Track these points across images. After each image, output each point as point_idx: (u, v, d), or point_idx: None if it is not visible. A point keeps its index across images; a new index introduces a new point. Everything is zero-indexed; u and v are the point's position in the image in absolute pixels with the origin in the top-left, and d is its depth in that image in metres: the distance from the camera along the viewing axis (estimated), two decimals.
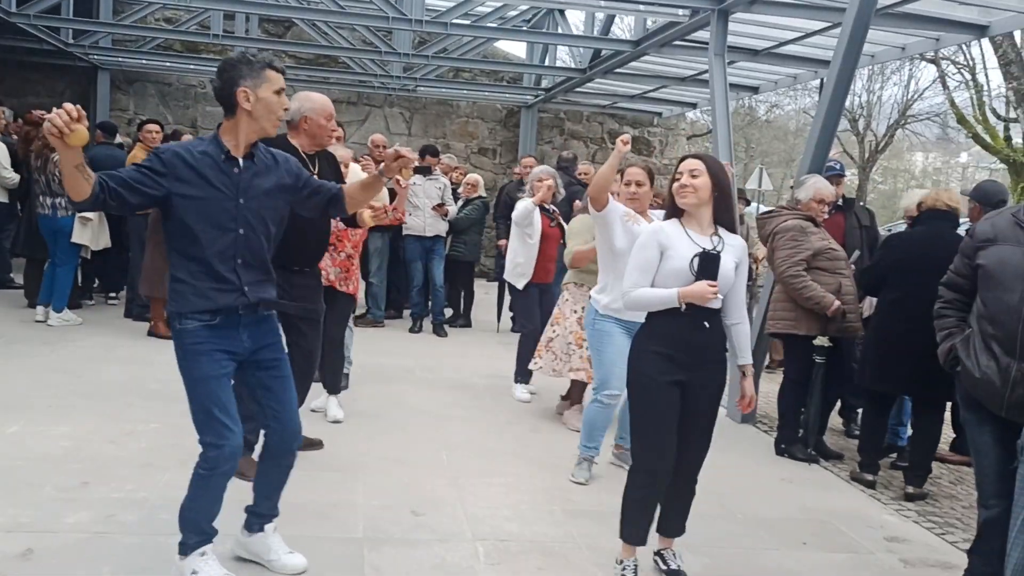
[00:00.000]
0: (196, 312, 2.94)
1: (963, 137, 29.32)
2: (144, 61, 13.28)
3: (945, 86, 24.59)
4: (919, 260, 4.76)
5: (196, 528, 3.08)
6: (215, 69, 3.01)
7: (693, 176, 3.36)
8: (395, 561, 3.48)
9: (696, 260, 3.28)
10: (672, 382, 3.32)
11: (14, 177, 8.28)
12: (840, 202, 6.02)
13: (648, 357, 3.36)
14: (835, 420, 6.22)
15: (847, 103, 21.32)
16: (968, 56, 22.89)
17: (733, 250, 3.39)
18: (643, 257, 3.37)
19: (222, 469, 2.99)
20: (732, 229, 3.46)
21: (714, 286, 3.24)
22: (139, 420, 4.93)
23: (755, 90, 11.69)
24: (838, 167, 6.26)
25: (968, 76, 23.64)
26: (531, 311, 6.41)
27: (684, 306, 3.28)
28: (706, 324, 3.33)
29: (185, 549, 3.09)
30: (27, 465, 4.17)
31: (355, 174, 5.06)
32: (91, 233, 7.57)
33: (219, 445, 2.96)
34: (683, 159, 3.48)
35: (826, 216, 5.51)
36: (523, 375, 6.38)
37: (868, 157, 29.86)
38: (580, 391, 5.80)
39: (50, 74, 13.19)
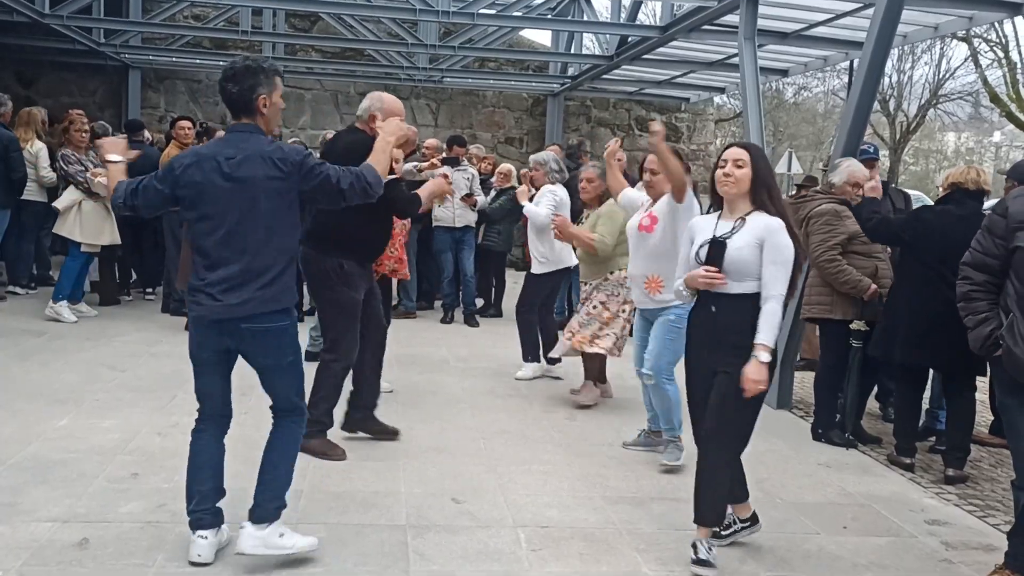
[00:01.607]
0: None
1: (996, 116, 28.90)
2: (174, 59, 13.44)
3: (977, 64, 24.26)
4: (948, 239, 4.66)
5: (288, 487, 3.37)
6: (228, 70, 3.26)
7: (738, 166, 3.40)
8: (439, 547, 3.54)
9: (703, 249, 3.42)
10: (697, 365, 3.55)
11: (52, 176, 8.43)
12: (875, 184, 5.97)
13: (687, 343, 3.64)
14: (872, 404, 6.19)
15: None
16: (1000, 34, 22.58)
17: (753, 231, 3.36)
18: (683, 251, 3.59)
19: None
20: (771, 210, 3.41)
21: (710, 271, 3.35)
22: (184, 412, 4.98)
23: (784, 73, 11.60)
24: (872, 150, 6.22)
25: (1001, 54, 23.30)
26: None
27: (688, 292, 3.51)
28: (712, 308, 3.43)
29: (281, 511, 3.31)
30: (79, 457, 4.28)
31: None
32: (73, 226, 7.55)
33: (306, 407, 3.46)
34: (728, 147, 3.49)
35: (861, 200, 5.48)
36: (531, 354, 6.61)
37: (899, 138, 29.51)
38: (600, 369, 5.95)
39: (83, 73, 13.38)
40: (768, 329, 3.32)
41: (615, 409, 5.85)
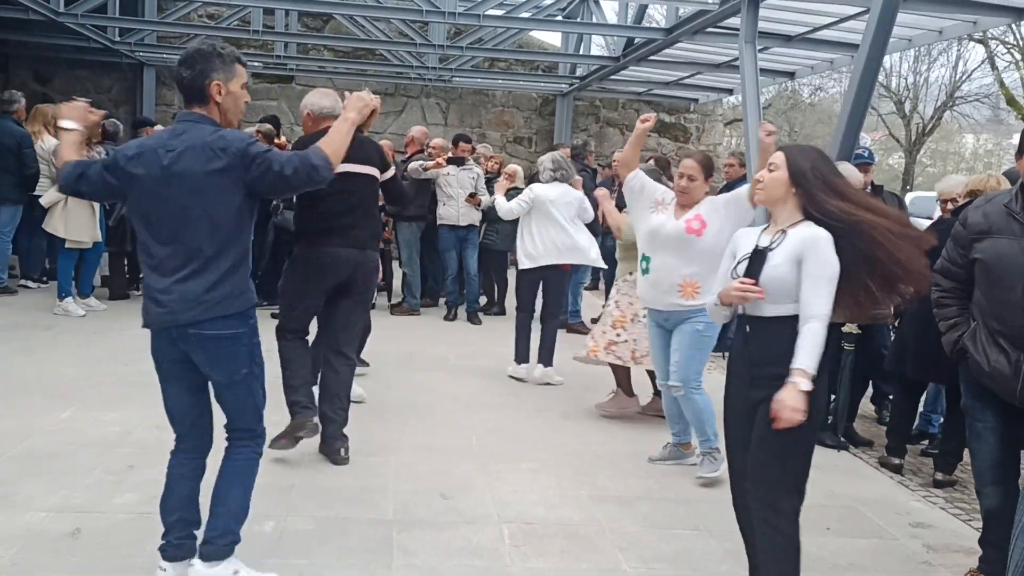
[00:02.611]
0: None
1: (1015, 119, 28.65)
2: None
3: (994, 67, 24.07)
4: None
5: (244, 520, 3.09)
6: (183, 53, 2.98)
7: (770, 170, 3.00)
8: (423, 542, 3.61)
9: (741, 265, 3.00)
10: (735, 400, 3.07)
11: None
12: (868, 189, 6.02)
13: (726, 377, 3.18)
14: (867, 407, 6.22)
15: (893, 85, 20.74)
16: (1018, 36, 22.39)
17: (792, 245, 2.90)
18: (723, 264, 3.16)
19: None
20: (821, 220, 2.92)
21: (745, 282, 2.91)
22: None
23: (791, 75, 11.62)
24: (866, 154, 6.26)
25: (1018, 56, 23.12)
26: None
27: (722, 309, 3.09)
28: (747, 328, 3.00)
29: (234, 546, 3.05)
30: (79, 449, 4.39)
31: None
32: (59, 223, 7.63)
33: (265, 430, 3.17)
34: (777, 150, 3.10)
35: None
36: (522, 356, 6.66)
37: (915, 140, 29.31)
38: (625, 381, 5.76)
39: (98, 71, 13.54)
40: (807, 352, 2.81)
41: None
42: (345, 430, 4.54)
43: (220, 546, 3.00)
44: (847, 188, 2.98)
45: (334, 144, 3.02)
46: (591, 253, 6.61)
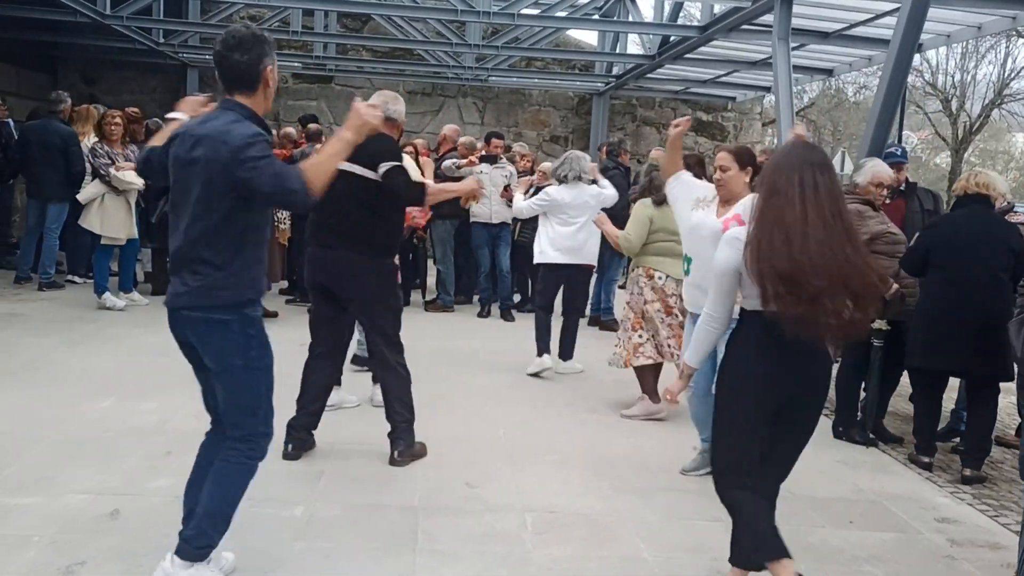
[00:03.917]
0: (257, 298, 3.01)
1: None
2: None
3: None
4: (963, 240, 4.83)
5: (224, 528, 2.98)
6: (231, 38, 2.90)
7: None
8: (446, 529, 3.69)
9: None
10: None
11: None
12: (902, 187, 5.99)
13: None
14: (897, 404, 6.18)
15: (939, 83, 20.33)
16: None
17: None
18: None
19: (262, 459, 3.06)
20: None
21: None
22: None
23: (829, 73, 11.53)
24: (899, 152, 6.23)
25: None
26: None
27: None
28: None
29: (207, 552, 2.94)
30: (118, 436, 4.55)
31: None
32: (95, 219, 7.82)
33: (270, 434, 3.05)
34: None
35: (886, 200, 5.49)
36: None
37: (962, 139, 28.77)
38: (652, 385, 5.69)
39: (143, 72, 13.87)
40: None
41: None
42: (377, 421, 4.61)
43: (192, 548, 2.90)
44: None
45: (319, 167, 2.83)
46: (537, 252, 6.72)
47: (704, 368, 4.41)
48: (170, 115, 3.15)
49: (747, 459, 3.05)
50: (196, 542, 2.90)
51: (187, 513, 3.03)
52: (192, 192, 2.82)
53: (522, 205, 6.73)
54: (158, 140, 3.07)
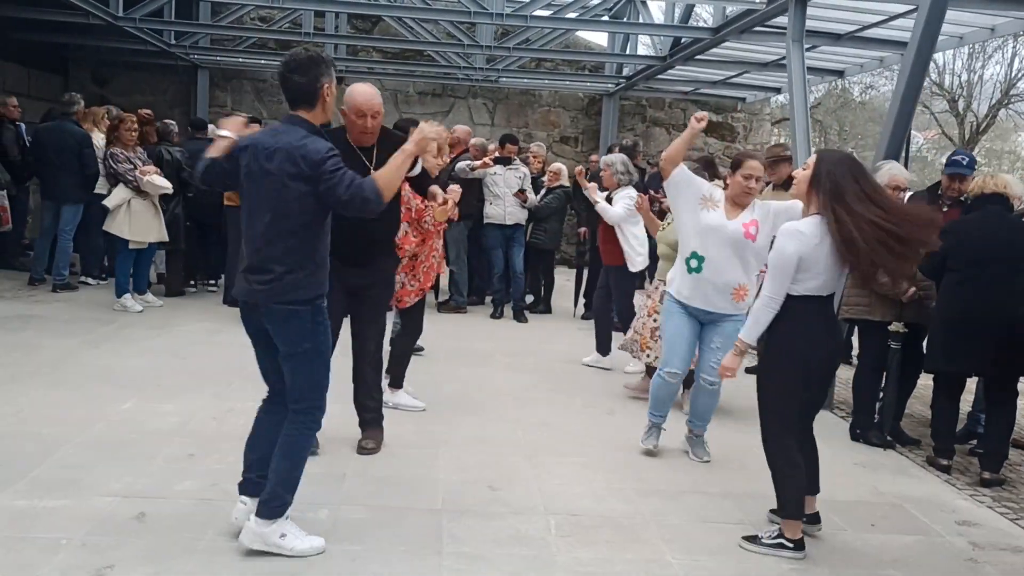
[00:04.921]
0: (325, 293, 3.39)
1: None
2: (240, 59, 13.89)
3: None
4: (979, 242, 4.83)
5: (294, 488, 3.38)
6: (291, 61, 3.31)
7: (803, 169, 3.67)
8: (472, 531, 3.71)
9: None
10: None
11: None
12: (966, 199, 5.37)
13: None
14: (912, 406, 6.18)
15: (946, 83, 20.32)
16: None
17: None
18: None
19: (319, 430, 3.54)
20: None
21: None
22: (239, 399, 5.29)
23: (840, 74, 11.51)
24: (965, 162, 5.53)
25: None
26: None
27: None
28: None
29: (283, 510, 3.35)
30: (141, 438, 4.57)
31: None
32: (123, 224, 7.83)
33: (324, 408, 3.45)
34: None
35: (943, 208, 5.38)
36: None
37: (969, 139, 28.71)
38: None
39: (155, 73, 13.89)
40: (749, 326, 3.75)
41: None
42: (398, 421, 4.77)
43: (270, 507, 3.30)
44: (865, 192, 3.45)
45: (387, 177, 3.29)
46: (636, 260, 6.74)
47: (681, 351, 4.75)
48: (220, 132, 3.40)
49: (793, 419, 3.70)
50: (272, 503, 3.31)
51: (248, 464, 3.48)
52: (269, 200, 3.21)
53: (618, 210, 6.66)
54: (215, 152, 3.34)
